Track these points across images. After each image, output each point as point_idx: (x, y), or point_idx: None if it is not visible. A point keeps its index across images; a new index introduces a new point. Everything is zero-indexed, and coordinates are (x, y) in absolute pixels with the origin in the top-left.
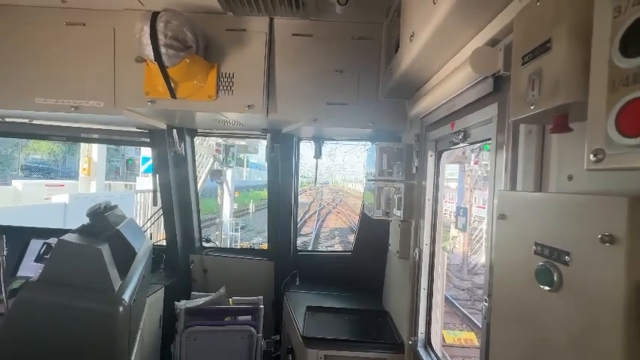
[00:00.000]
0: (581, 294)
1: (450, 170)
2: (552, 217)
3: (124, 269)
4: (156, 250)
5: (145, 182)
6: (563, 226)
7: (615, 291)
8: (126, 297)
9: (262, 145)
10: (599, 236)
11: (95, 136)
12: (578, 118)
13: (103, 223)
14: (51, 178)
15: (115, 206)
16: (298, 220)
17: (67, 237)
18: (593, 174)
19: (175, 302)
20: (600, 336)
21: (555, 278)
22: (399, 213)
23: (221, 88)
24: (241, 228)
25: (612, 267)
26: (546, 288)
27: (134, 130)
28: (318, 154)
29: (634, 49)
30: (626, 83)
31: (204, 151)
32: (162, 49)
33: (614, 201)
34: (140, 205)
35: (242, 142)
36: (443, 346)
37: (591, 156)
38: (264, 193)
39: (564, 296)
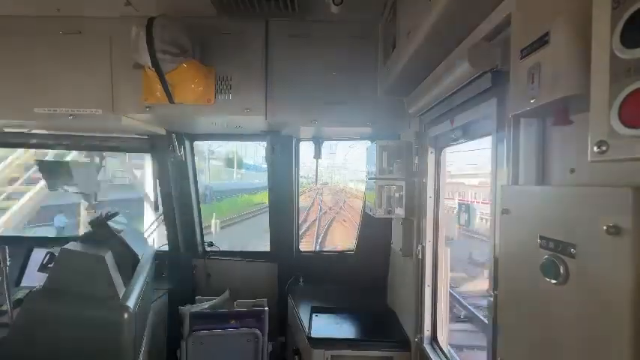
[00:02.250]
0: (588, 286)
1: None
2: (557, 210)
3: (127, 276)
4: (158, 255)
5: None
6: (568, 219)
7: (622, 282)
8: (130, 303)
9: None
10: (605, 228)
11: (95, 143)
12: (579, 110)
13: (105, 231)
14: None
15: (117, 213)
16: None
17: (70, 245)
18: (595, 166)
19: (180, 307)
20: (608, 327)
21: (561, 271)
22: (400, 211)
23: (219, 91)
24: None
25: (618, 258)
26: (552, 281)
27: (133, 136)
28: (317, 155)
29: (635, 39)
30: (629, 74)
31: None
32: (159, 55)
33: (619, 192)
34: None
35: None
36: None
37: (595, 148)
38: (259, 197)
39: (571, 288)
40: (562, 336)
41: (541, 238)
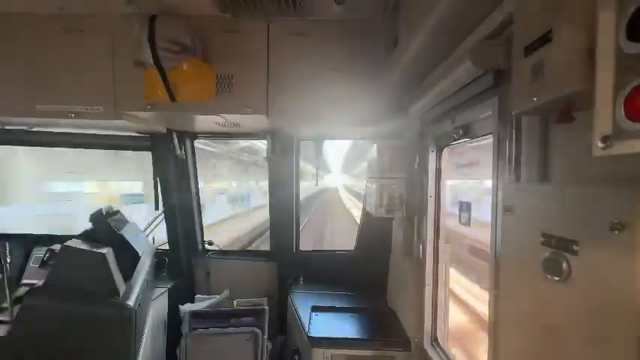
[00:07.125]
0: (591, 282)
1: None
2: (560, 207)
3: (127, 274)
4: (158, 253)
5: None
6: (571, 216)
7: (626, 277)
8: (130, 301)
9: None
10: (609, 224)
11: (95, 141)
12: (581, 107)
13: (105, 228)
14: None
15: (117, 211)
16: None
17: (71, 243)
18: (598, 162)
19: (180, 306)
20: (612, 324)
21: (564, 268)
22: (401, 210)
23: (220, 90)
24: None
25: (623, 254)
26: (555, 278)
27: (134, 134)
28: (318, 153)
29: None
30: (634, 68)
31: None
32: (161, 53)
33: (624, 188)
34: None
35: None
36: None
37: (599, 143)
38: None
39: (573, 285)
40: (565, 334)
41: (543, 235)
